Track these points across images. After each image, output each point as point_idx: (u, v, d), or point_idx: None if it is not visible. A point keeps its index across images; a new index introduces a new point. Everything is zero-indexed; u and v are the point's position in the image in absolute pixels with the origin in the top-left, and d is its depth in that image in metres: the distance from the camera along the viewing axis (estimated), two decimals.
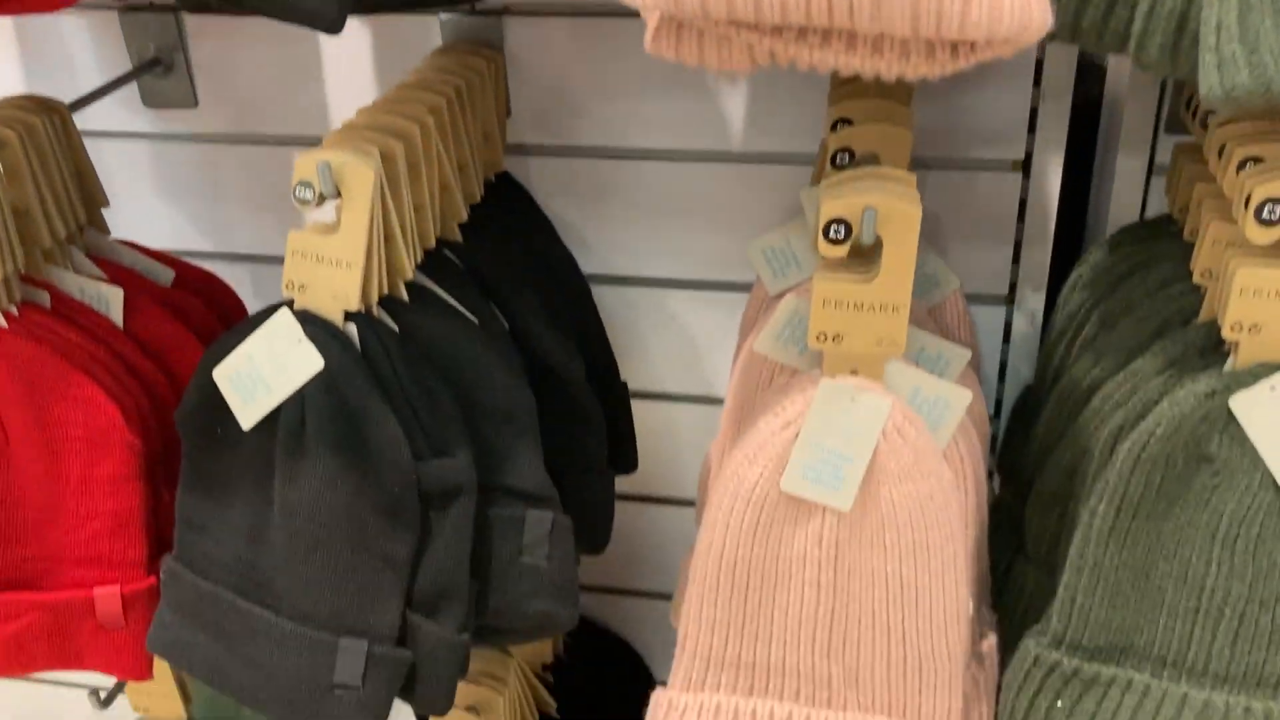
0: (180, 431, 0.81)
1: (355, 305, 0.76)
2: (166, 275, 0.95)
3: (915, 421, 0.74)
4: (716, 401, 1.10)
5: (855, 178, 0.74)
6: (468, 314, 0.84)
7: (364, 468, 0.75)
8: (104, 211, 0.96)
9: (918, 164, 0.96)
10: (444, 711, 0.79)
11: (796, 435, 0.73)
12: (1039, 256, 1.00)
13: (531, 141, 1.03)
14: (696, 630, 0.78)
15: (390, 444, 0.75)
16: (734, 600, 0.77)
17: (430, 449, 0.78)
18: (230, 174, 1.10)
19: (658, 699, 0.80)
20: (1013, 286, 1.02)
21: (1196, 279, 0.76)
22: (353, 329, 0.77)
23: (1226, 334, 0.69)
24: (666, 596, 1.22)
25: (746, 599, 0.77)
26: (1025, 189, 0.98)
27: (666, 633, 1.26)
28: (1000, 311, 1.03)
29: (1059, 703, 0.75)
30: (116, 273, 0.92)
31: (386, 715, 0.76)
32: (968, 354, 0.81)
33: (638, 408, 1.10)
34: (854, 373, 0.74)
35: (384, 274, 0.78)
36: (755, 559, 0.76)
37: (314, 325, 0.76)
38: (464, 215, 0.89)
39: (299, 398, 0.76)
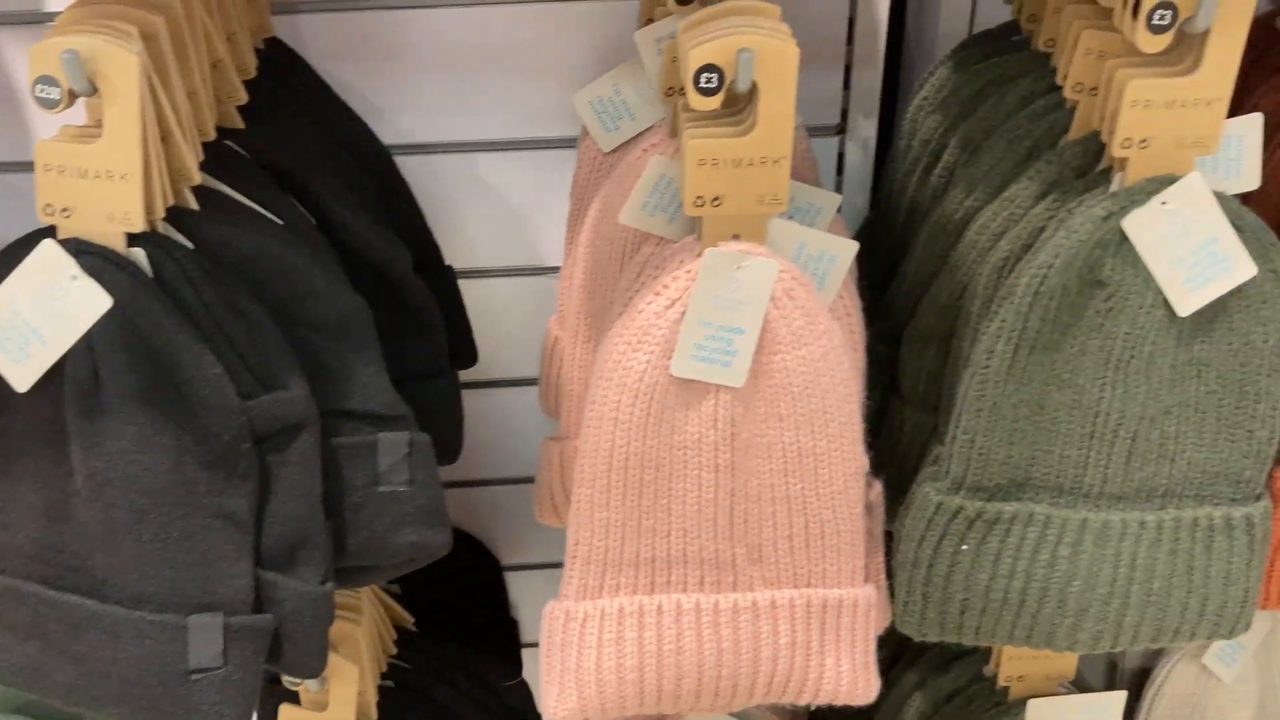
0: None
1: (140, 225, 0.62)
2: None
3: (803, 281, 0.68)
4: (545, 272, 1.01)
5: (715, 16, 0.65)
6: (269, 215, 0.71)
7: (182, 418, 0.63)
8: None
9: None
10: (317, 672, 0.70)
11: (683, 314, 0.66)
12: (870, 81, 0.95)
13: None
14: (589, 535, 0.71)
15: (210, 385, 0.63)
16: (627, 498, 0.70)
17: (258, 383, 0.66)
18: None
19: (553, 612, 0.73)
20: (844, 114, 0.96)
21: (1068, 93, 0.72)
22: (140, 254, 0.63)
23: (1117, 151, 0.66)
24: (506, 482, 1.15)
25: (641, 494, 0.71)
26: (853, 7, 0.91)
27: (508, 518, 1.20)
28: (833, 142, 0.97)
29: (964, 546, 0.74)
30: None
31: (258, 692, 0.67)
32: (838, 199, 0.75)
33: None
34: (735, 237, 0.67)
35: (165, 181, 0.64)
36: (648, 452, 0.69)
37: (91, 256, 0.62)
38: (243, 95, 0.74)
39: (86, 345, 0.62)
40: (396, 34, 0.91)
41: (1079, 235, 0.66)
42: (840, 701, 0.76)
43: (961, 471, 0.72)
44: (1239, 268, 0.67)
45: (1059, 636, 0.74)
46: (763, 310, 0.67)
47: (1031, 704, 0.92)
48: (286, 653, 0.68)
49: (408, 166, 0.95)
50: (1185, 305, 0.67)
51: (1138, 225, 0.66)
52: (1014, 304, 0.67)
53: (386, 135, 0.93)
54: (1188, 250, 0.66)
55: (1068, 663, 0.93)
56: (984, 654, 0.96)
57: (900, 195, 0.86)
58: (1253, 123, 0.68)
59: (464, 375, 1.04)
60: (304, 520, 0.68)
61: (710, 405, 0.69)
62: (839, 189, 1.00)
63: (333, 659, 0.88)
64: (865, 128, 0.97)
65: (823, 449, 0.71)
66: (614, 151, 0.85)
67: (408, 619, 1.02)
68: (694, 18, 0.65)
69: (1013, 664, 0.93)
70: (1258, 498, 0.74)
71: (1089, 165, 0.70)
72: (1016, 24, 0.83)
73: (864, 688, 0.76)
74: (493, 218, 0.99)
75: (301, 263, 0.69)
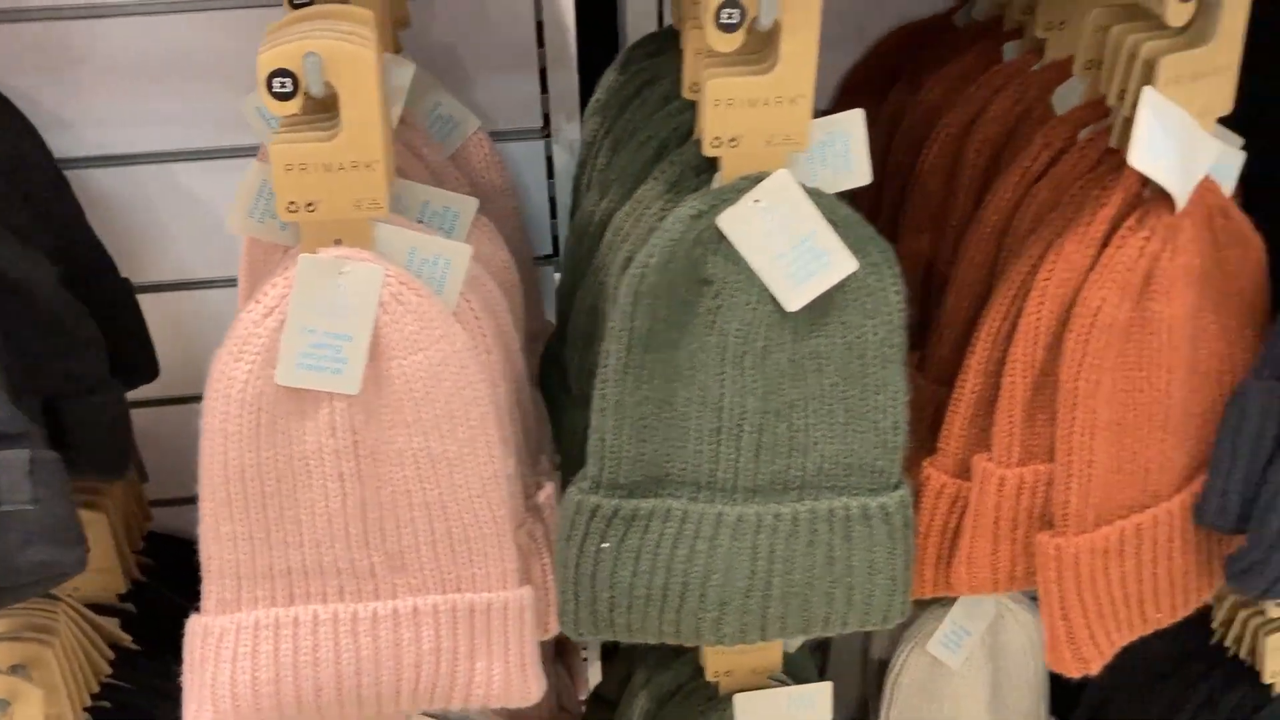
0: None
1: None
2: None
3: (415, 286, 0.68)
4: None
5: (305, 18, 0.65)
6: None
7: None
8: None
9: None
10: None
11: (282, 322, 0.66)
12: (565, 83, 0.95)
13: None
14: (219, 548, 0.71)
15: None
16: (251, 510, 0.70)
17: None
18: None
19: (193, 628, 0.73)
20: (546, 117, 0.96)
21: (686, 94, 0.73)
22: None
23: (708, 150, 0.66)
24: None
25: (265, 506, 0.70)
26: (539, 10, 0.92)
27: None
28: (540, 145, 0.97)
29: (604, 543, 0.74)
30: None
31: None
32: (475, 203, 0.75)
33: (168, 301, 0.98)
34: (337, 242, 0.67)
35: None
36: (265, 462, 0.69)
37: None
38: None
39: None
40: (78, 44, 0.89)
41: (671, 235, 0.66)
42: (497, 704, 0.76)
43: (598, 470, 0.73)
44: (839, 262, 0.68)
45: (704, 630, 0.75)
46: (371, 316, 0.67)
47: (738, 698, 0.93)
48: None
49: (104, 179, 0.94)
50: (792, 301, 0.68)
51: (733, 223, 0.67)
52: (619, 305, 0.68)
53: (77, 147, 0.92)
54: (787, 246, 0.67)
55: (773, 657, 0.94)
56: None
57: (578, 197, 0.86)
58: (855, 118, 0.69)
59: (184, 390, 1.03)
60: None
61: (326, 414, 0.68)
62: (551, 191, 1.00)
63: (14, 683, 0.86)
64: (568, 130, 0.97)
65: (455, 453, 0.71)
66: None
67: (124, 638, 1.00)
68: (283, 20, 0.65)
69: (718, 659, 0.93)
70: (895, 487, 0.75)
71: (706, 164, 0.71)
72: None
73: (521, 690, 0.76)
74: (198, 228, 0.97)
75: None
